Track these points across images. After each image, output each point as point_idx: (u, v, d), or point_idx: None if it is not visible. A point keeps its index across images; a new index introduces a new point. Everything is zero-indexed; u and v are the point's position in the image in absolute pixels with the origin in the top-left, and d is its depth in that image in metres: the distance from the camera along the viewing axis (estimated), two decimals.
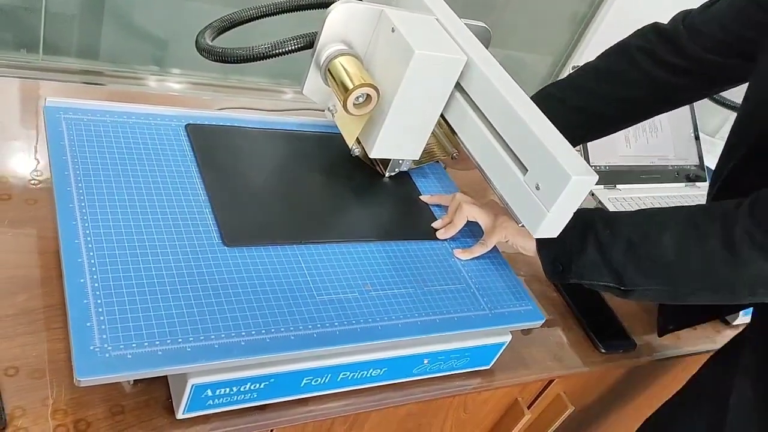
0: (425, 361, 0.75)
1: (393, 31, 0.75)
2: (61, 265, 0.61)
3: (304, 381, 0.68)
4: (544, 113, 0.96)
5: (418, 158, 0.85)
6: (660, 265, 0.75)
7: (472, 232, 0.87)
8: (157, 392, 0.65)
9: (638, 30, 0.98)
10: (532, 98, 1.01)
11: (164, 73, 1.23)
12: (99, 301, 0.60)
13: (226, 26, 0.86)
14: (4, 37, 1.09)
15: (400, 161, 0.89)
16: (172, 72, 1.24)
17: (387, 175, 0.90)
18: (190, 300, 0.63)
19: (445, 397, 0.83)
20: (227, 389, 0.63)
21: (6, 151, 0.83)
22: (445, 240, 0.85)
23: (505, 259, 0.86)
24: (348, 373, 0.70)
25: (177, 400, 0.63)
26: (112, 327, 0.58)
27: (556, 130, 0.71)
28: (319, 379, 0.69)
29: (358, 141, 0.83)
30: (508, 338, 0.79)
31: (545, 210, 0.69)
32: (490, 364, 0.82)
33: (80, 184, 0.69)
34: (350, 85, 0.74)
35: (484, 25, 0.86)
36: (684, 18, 0.93)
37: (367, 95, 0.76)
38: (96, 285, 0.61)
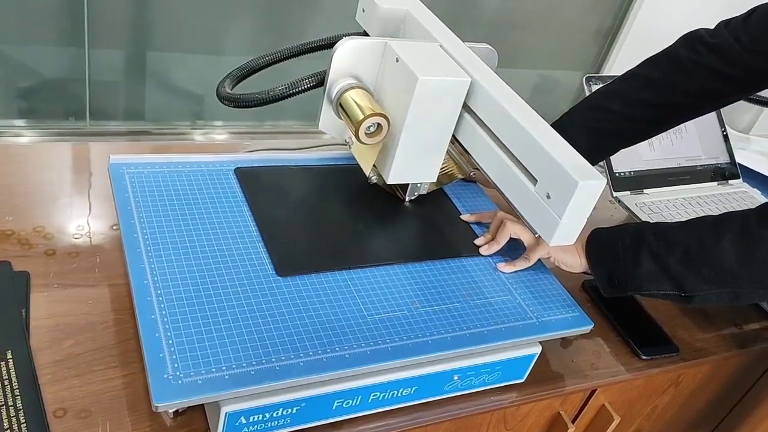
0: (455, 378, 0.76)
1: (397, 60, 0.78)
2: (133, 303, 0.67)
3: (336, 403, 0.69)
4: (591, 124, 0.98)
5: (434, 180, 0.87)
6: (721, 270, 0.78)
7: (511, 247, 0.89)
8: (197, 423, 0.68)
9: (683, 41, 0.98)
10: (575, 108, 1.03)
11: (204, 126, 1.30)
12: (169, 334, 0.65)
13: (244, 74, 0.91)
14: (54, 108, 1.18)
15: (418, 185, 0.91)
16: (212, 124, 1.31)
17: (407, 199, 0.92)
18: (250, 327, 0.68)
19: (482, 413, 0.83)
20: (260, 416, 0.65)
21: (55, 209, 0.89)
22: (489, 256, 0.87)
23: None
24: (378, 393, 0.72)
25: (214, 429, 0.65)
26: (182, 356, 0.63)
27: (562, 138, 0.72)
28: (350, 401, 0.70)
29: (375, 169, 0.85)
30: (538, 349, 0.80)
31: (557, 218, 0.70)
32: (524, 377, 0.82)
33: (145, 231, 0.76)
34: (360, 116, 0.77)
35: (489, 46, 0.88)
36: (730, 31, 0.93)
37: (378, 124, 0.79)
38: (165, 320, 0.66)
